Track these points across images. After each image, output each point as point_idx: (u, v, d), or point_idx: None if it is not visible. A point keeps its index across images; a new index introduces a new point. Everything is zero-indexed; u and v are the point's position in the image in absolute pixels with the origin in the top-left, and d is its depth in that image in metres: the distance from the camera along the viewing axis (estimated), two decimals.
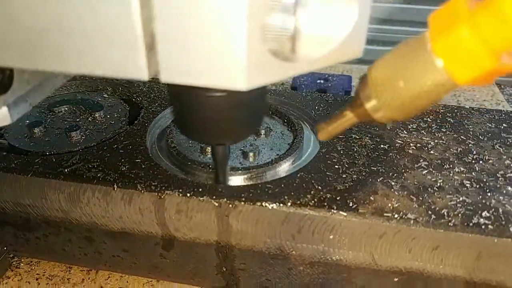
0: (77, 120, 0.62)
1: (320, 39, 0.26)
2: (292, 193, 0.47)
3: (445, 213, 0.46)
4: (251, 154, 0.55)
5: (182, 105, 0.37)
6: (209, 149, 0.56)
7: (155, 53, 0.26)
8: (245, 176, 0.52)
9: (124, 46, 0.26)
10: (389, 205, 0.47)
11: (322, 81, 0.98)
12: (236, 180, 0.52)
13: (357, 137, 0.57)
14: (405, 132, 0.59)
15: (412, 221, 0.45)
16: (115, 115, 0.63)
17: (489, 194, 0.49)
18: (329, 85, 0.96)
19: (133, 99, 0.67)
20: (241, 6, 0.23)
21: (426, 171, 0.52)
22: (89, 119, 0.62)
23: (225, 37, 0.24)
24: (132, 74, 0.27)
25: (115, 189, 0.49)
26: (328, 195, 0.47)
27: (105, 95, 0.68)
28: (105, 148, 0.55)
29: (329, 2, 0.26)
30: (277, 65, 0.27)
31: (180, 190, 0.48)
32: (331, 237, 0.47)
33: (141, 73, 0.26)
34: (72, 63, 0.27)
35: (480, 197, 0.48)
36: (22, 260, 0.59)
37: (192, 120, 0.38)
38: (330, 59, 0.28)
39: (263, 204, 0.46)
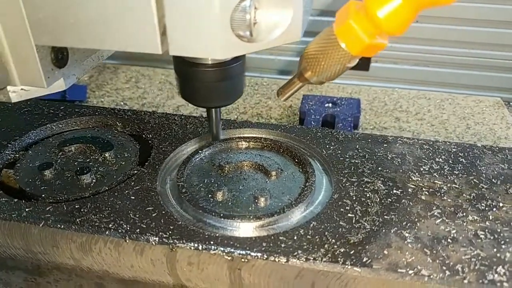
0: (87, 160, 0.62)
1: (269, 28, 0.43)
2: (305, 247, 0.47)
3: (460, 269, 0.45)
4: (262, 199, 0.55)
5: (183, 78, 0.51)
6: (219, 193, 0.55)
7: (166, 36, 0.41)
8: (257, 224, 0.52)
9: (146, 31, 0.41)
10: (403, 259, 0.46)
11: (330, 105, 0.97)
12: (248, 229, 0.52)
13: (369, 181, 0.57)
14: (418, 175, 0.58)
15: (426, 278, 0.45)
16: (126, 155, 0.62)
17: (503, 246, 0.48)
18: (338, 109, 0.96)
19: (143, 136, 0.67)
20: (214, 5, 0.39)
21: (439, 220, 0.51)
22: (100, 159, 0.62)
23: (209, 26, 0.40)
24: (148, 48, 0.42)
25: (127, 240, 0.49)
26: (342, 249, 0.47)
27: (115, 131, 0.68)
28: (116, 194, 0.55)
29: (273, 5, 0.42)
30: (242, 44, 0.42)
31: (192, 244, 0.48)
32: None
33: (157, 49, 0.41)
34: (110, 43, 0.42)
35: (495, 250, 0.48)
36: None
37: (190, 88, 0.52)
38: (278, 40, 0.44)
39: (276, 259, 0.46)
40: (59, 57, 0.47)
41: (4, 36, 0.44)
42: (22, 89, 0.49)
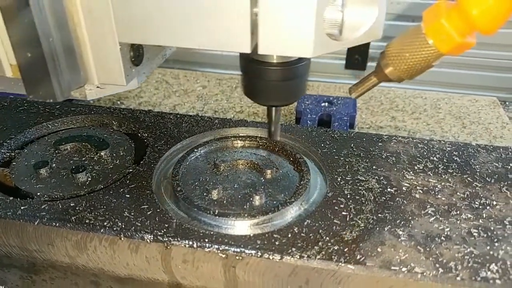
0: (83, 159, 0.62)
1: (356, 26, 0.43)
2: (299, 245, 0.47)
3: (453, 266, 0.46)
4: (257, 197, 0.55)
5: (249, 76, 0.51)
6: (214, 191, 0.56)
7: (256, 32, 0.40)
8: (252, 222, 0.52)
9: (235, 26, 0.40)
10: (397, 257, 0.47)
11: (326, 104, 0.97)
12: (242, 227, 0.52)
13: (364, 179, 0.57)
14: (412, 173, 0.59)
15: (419, 275, 0.45)
16: (121, 153, 0.63)
17: (496, 244, 0.48)
18: (334, 108, 0.96)
19: (139, 135, 0.67)
20: (312, 5, 0.39)
21: (433, 218, 0.52)
22: (95, 158, 0.62)
23: (303, 24, 0.40)
24: (238, 47, 0.41)
25: (122, 238, 0.49)
26: (336, 247, 0.47)
27: (111, 130, 0.68)
28: (111, 192, 0.55)
29: (360, 3, 0.43)
30: (330, 42, 0.42)
31: (186, 242, 0.48)
32: None
33: (246, 47, 0.41)
34: (199, 41, 0.42)
35: (488, 247, 0.48)
36: None
37: (254, 86, 0.51)
38: (362, 39, 0.44)
39: (270, 256, 0.46)
40: (137, 55, 0.48)
41: (87, 34, 0.44)
42: (98, 86, 0.49)
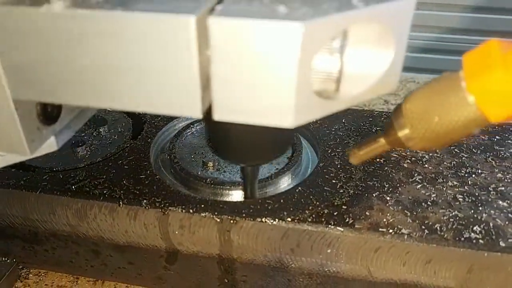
0: (82, 135, 0.64)
1: (361, 78, 0.29)
2: (291, 209, 0.49)
3: (438, 228, 0.48)
4: None
5: (218, 130, 0.40)
6: (210, 163, 0.58)
7: (209, 93, 0.28)
8: None
9: (182, 87, 0.28)
10: (384, 220, 0.49)
11: None
12: (237, 195, 0.54)
13: None
14: None
15: (406, 236, 0.47)
16: (119, 130, 0.65)
17: (480, 208, 0.50)
18: None
19: (136, 113, 0.69)
20: (293, 53, 0.25)
21: (420, 185, 0.54)
22: (94, 134, 0.64)
23: (275, 81, 0.26)
24: (187, 112, 0.28)
25: (121, 205, 0.51)
26: (326, 211, 0.49)
27: (109, 109, 0.70)
28: (110, 164, 0.57)
29: (367, 43, 0.28)
30: (321, 104, 0.29)
31: (183, 207, 0.50)
32: (328, 251, 0.49)
33: (196, 112, 0.28)
34: (127, 101, 0.29)
35: (472, 211, 0.50)
36: (31, 271, 0.61)
37: (227, 143, 0.41)
38: (367, 94, 0.30)
39: (263, 220, 0.48)
40: (49, 110, 0.33)
41: None
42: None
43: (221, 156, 0.44)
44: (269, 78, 0.26)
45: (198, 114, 0.28)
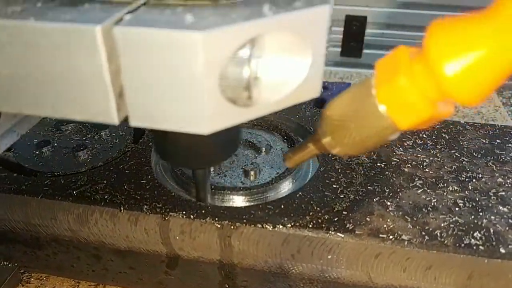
0: (84, 138, 0.64)
1: (275, 86, 0.30)
2: (292, 215, 0.49)
3: (438, 234, 0.48)
4: (252, 172, 0.57)
5: (163, 135, 0.40)
6: (211, 168, 0.58)
7: (124, 101, 0.29)
8: (247, 196, 0.54)
9: (96, 95, 0.28)
10: (385, 226, 0.49)
11: (322, 90, 0.99)
12: (238, 200, 0.54)
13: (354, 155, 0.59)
14: (401, 150, 0.61)
15: (406, 242, 0.47)
16: (120, 133, 0.65)
17: (481, 213, 0.50)
18: (329, 93, 0.98)
19: None
20: (197, 62, 0.26)
21: (421, 190, 0.54)
22: (95, 137, 0.64)
23: (185, 89, 0.27)
24: (104, 119, 0.29)
25: (122, 211, 0.51)
26: (326, 216, 0.49)
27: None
28: (111, 168, 0.57)
29: (282, 52, 0.29)
30: (237, 110, 0.29)
31: (184, 212, 0.50)
32: (329, 257, 0.49)
33: (112, 118, 0.29)
34: (49, 109, 0.30)
35: (472, 217, 0.50)
36: (32, 275, 0.61)
37: (173, 148, 0.42)
38: (288, 101, 0.31)
39: (264, 225, 0.49)
40: None
41: None
42: None
43: (170, 162, 0.45)
44: (178, 86, 0.27)
45: (115, 121, 0.29)
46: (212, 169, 0.58)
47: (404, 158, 0.59)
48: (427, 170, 0.57)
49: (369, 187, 0.54)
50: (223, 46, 0.26)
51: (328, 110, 0.36)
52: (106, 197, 0.52)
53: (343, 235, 0.48)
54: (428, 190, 0.54)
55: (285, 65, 0.30)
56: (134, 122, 0.30)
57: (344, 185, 0.54)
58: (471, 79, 0.27)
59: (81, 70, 0.27)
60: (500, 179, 0.56)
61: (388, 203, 0.52)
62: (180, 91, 0.27)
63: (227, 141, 0.42)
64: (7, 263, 0.60)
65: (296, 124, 0.68)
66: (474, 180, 0.55)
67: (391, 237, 0.47)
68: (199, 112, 0.28)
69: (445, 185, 0.55)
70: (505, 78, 0.27)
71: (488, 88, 0.28)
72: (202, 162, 0.44)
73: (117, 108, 0.29)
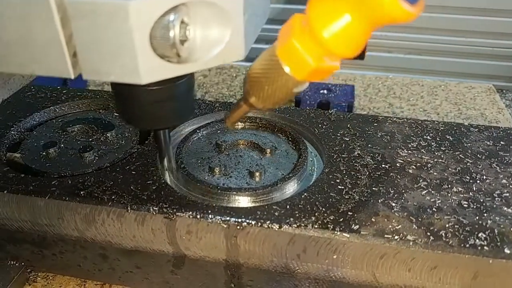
0: (90, 140, 0.65)
1: (202, 47, 0.38)
2: (297, 215, 0.50)
3: (443, 235, 0.48)
4: (257, 174, 0.57)
5: (124, 98, 0.45)
6: (217, 169, 0.58)
7: (77, 59, 0.37)
8: (252, 197, 0.55)
9: (55, 55, 0.36)
10: (390, 226, 0.49)
11: (325, 92, 1.00)
12: (244, 201, 0.54)
13: (359, 156, 0.60)
14: (406, 151, 0.61)
15: (411, 243, 0.47)
16: (126, 135, 0.65)
17: (485, 214, 0.51)
18: (332, 95, 0.98)
19: None
20: (128, 24, 0.34)
21: (425, 191, 0.54)
22: (101, 138, 0.65)
23: (123, 47, 0.35)
24: (62, 73, 0.37)
25: (129, 211, 0.52)
26: (332, 217, 0.50)
27: (117, 113, 0.71)
28: (117, 169, 0.57)
29: (207, 21, 0.37)
30: (170, 65, 0.37)
31: (190, 213, 0.50)
32: (334, 257, 0.49)
33: (69, 74, 0.37)
34: (17, 66, 0.38)
35: (477, 217, 0.50)
36: (39, 274, 0.62)
37: (131, 109, 0.46)
38: (215, 61, 0.39)
39: (270, 226, 0.49)
40: None
41: None
42: None
43: (132, 124, 0.51)
44: (118, 45, 0.35)
45: (71, 76, 0.37)
46: (217, 170, 0.58)
47: (409, 159, 0.59)
48: (431, 171, 0.57)
49: (374, 188, 0.54)
50: (149, 11, 0.34)
51: (250, 70, 0.43)
52: (113, 197, 0.52)
53: (348, 235, 0.48)
54: (432, 191, 0.54)
55: (208, 30, 0.38)
56: (86, 76, 0.38)
57: (349, 186, 0.55)
58: (344, 38, 0.35)
59: (42, 35, 0.35)
60: (504, 181, 0.56)
61: (393, 204, 0.52)
62: (120, 49, 0.35)
63: (182, 103, 0.46)
64: (14, 262, 0.60)
65: (300, 126, 0.68)
66: (478, 182, 0.56)
67: (396, 237, 0.48)
68: (134, 66, 0.36)
69: (449, 186, 0.55)
70: (371, 31, 0.36)
71: (360, 42, 0.36)
72: (159, 122, 0.48)
73: (72, 65, 0.37)
